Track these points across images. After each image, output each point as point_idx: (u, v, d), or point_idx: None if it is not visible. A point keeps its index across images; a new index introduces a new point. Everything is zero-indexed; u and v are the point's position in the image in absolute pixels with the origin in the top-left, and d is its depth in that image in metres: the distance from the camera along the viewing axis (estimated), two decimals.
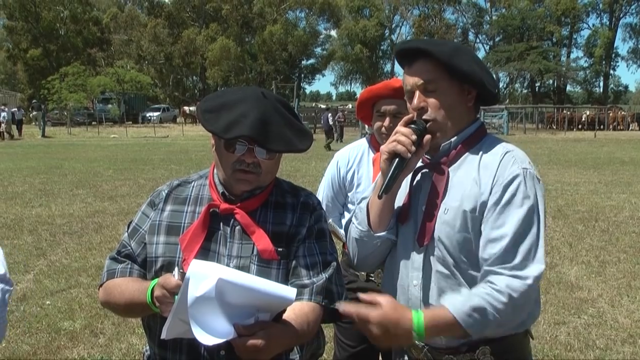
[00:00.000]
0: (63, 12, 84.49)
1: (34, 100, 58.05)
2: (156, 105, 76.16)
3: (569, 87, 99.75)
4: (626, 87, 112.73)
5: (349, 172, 4.25)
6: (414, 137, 2.59)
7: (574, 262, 9.86)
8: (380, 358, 4.45)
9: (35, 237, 11.56)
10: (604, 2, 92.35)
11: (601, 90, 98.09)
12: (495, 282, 2.48)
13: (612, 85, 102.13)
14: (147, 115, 68.68)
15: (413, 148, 2.59)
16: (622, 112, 63.85)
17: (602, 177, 21.46)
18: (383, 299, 2.50)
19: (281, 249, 2.66)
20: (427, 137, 2.62)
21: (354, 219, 2.87)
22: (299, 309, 2.54)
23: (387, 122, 3.91)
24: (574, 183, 19.56)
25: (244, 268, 2.59)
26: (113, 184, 19.21)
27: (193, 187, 2.81)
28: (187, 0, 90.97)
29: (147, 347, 2.85)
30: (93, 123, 59.30)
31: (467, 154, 2.69)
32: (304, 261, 2.68)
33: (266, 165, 2.61)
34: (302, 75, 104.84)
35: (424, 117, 2.64)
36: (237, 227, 2.65)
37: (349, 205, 4.27)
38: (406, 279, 2.75)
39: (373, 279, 4.04)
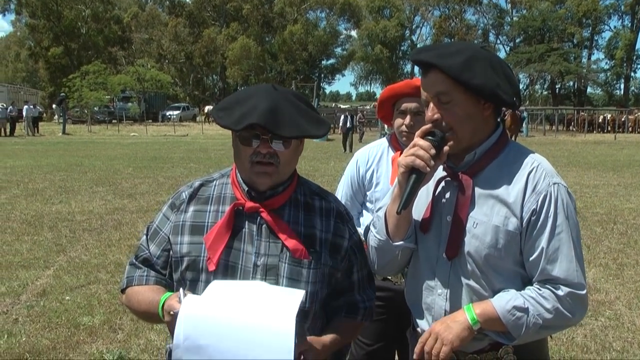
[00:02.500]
0: (85, 11, 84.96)
1: (61, 94, 58.24)
2: (176, 104, 76.36)
3: (589, 89, 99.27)
4: None
5: (369, 171, 4.26)
6: (432, 151, 2.56)
7: (591, 264, 9.81)
8: (396, 356, 4.48)
9: (55, 234, 11.66)
10: (626, 4, 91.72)
11: (622, 92, 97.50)
12: (543, 289, 2.55)
13: (633, 88, 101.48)
14: (167, 114, 68.90)
15: (432, 163, 2.57)
16: None
17: (622, 179, 21.35)
18: None
19: (313, 250, 2.68)
20: (446, 148, 2.60)
21: (372, 228, 2.87)
22: (348, 327, 2.81)
23: (408, 120, 3.92)
24: (593, 185, 19.46)
25: (273, 266, 2.63)
26: (132, 181, 19.32)
27: (215, 186, 2.81)
28: (207, 0, 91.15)
29: (170, 344, 2.88)
30: (113, 121, 59.60)
31: (491, 164, 2.68)
32: (357, 276, 2.82)
33: (284, 156, 2.60)
34: (322, 75, 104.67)
35: (439, 128, 2.62)
36: (264, 225, 2.66)
37: (368, 204, 4.28)
38: (430, 287, 2.77)
39: (390, 277, 4.05)
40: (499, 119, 2.79)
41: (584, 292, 2.56)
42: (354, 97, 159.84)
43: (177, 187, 12.96)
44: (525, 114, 53.30)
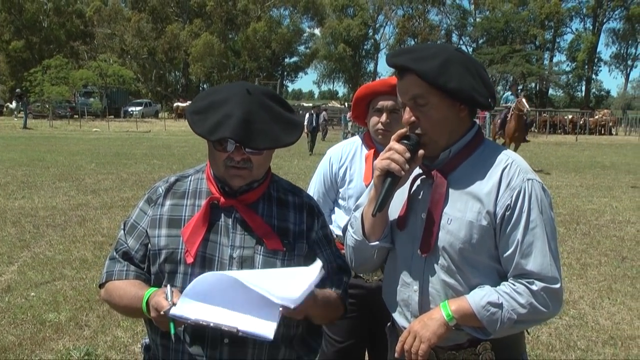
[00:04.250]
0: (46, 4, 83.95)
1: (17, 90, 57.56)
2: (138, 100, 75.64)
3: (551, 91, 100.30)
4: (608, 92, 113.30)
5: (341, 168, 4.28)
6: (407, 155, 2.62)
7: None
8: (366, 354, 4.51)
9: (18, 229, 11.51)
10: (588, 7, 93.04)
11: (583, 94, 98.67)
12: (517, 284, 2.59)
13: (594, 90, 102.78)
14: (129, 109, 68.28)
15: (407, 166, 2.63)
16: (605, 117, 64.05)
17: (584, 180, 21.58)
18: None
19: (287, 242, 2.76)
20: (421, 152, 2.66)
21: (349, 227, 2.93)
22: (321, 289, 2.74)
23: (384, 117, 3.96)
24: (555, 186, 19.64)
25: (248, 258, 2.70)
26: (96, 177, 19.09)
27: (190, 181, 2.87)
28: None
29: (146, 339, 2.91)
30: (75, 116, 59.00)
31: (466, 161, 2.72)
32: (325, 269, 2.80)
33: (257, 160, 2.67)
34: (285, 73, 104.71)
35: (416, 131, 2.67)
36: (239, 219, 2.73)
37: (340, 201, 4.32)
38: (406, 284, 2.81)
39: (362, 275, 4.07)
40: (474, 119, 2.85)
41: (558, 286, 2.60)
42: (316, 96, 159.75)
43: (140, 184, 12.89)
44: (487, 114, 52.81)
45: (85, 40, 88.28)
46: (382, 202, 2.65)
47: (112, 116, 62.89)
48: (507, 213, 2.60)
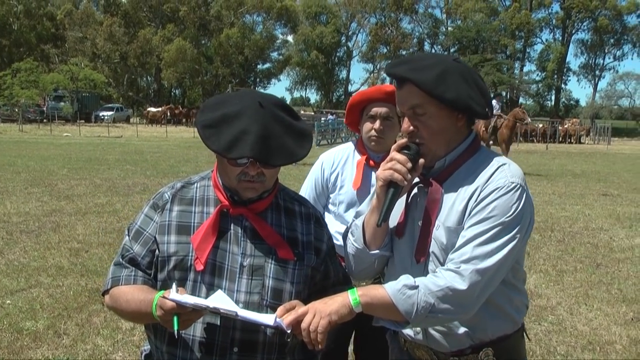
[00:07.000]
0: (17, 7, 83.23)
1: None
2: (109, 105, 75.38)
3: (521, 100, 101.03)
4: (577, 101, 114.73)
5: (333, 173, 4.30)
6: (409, 164, 2.64)
7: (532, 270, 10.00)
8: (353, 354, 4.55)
9: None
10: (557, 18, 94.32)
11: (553, 103, 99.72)
12: (441, 270, 2.56)
13: (563, 99, 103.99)
14: (100, 114, 68.04)
15: (409, 176, 2.65)
16: (574, 126, 64.82)
17: (556, 188, 21.77)
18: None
19: (297, 251, 2.76)
20: (421, 161, 2.67)
21: (350, 235, 2.91)
22: None
23: (377, 124, 3.98)
24: None
25: (259, 267, 2.69)
26: (68, 183, 18.91)
27: (197, 188, 2.84)
28: (144, 0, 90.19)
29: (147, 347, 2.88)
30: (45, 121, 58.60)
31: (460, 168, 2.73)
32: (333, 280, 2.95)
33: (270, 172, 2.67)
34: (258, 80, 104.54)
35: (415, 140, 2.69)
36: (249, 228, 2.71)
37: (330, 207, 4.34)
38: None
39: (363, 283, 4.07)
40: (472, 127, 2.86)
41: (487, 265, 2.51)
42: (288, 102, 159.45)
43: (115, 189, 12.82)
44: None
45: (56, 44, 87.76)
46: (386, 212, 2.67)
47: (83, 121, 62.55)
48: (476, 204, 2.60)
